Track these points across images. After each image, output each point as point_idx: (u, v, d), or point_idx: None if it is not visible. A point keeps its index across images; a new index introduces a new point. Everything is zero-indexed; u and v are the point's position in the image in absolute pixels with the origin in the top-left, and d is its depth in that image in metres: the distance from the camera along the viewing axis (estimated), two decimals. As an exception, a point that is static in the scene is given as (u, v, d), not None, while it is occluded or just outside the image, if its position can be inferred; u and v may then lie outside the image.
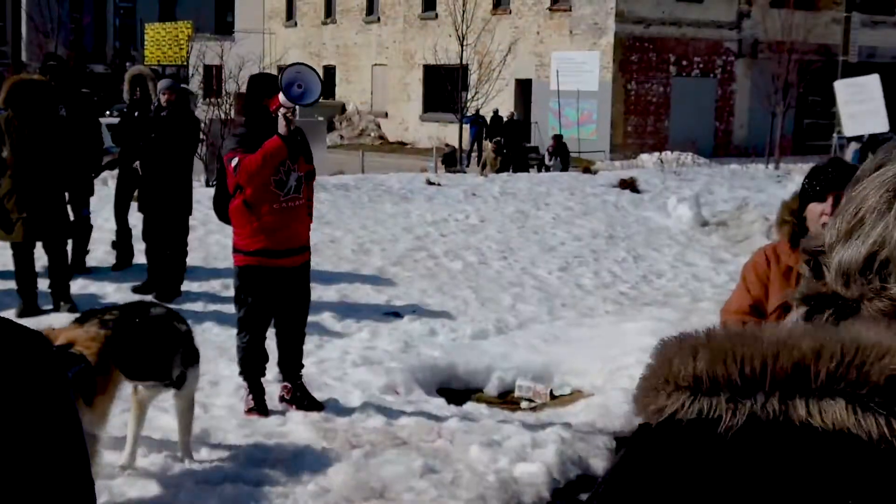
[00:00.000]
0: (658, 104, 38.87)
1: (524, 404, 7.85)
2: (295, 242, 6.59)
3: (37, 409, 1.19)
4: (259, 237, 6.48)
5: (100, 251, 10.90)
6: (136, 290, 9.68)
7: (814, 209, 3.69)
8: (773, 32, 34.94)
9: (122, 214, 10.53)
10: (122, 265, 10.49)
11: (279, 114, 6.36)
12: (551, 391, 8.08)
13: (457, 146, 32.33)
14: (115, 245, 10.67)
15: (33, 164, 8.70)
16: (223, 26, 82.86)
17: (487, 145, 31.22)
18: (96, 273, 10.25)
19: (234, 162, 6.38)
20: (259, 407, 6.59)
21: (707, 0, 39.20)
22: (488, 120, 36.50)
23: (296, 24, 54.64)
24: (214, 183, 16.56)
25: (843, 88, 18.17)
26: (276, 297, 6.61)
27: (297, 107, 6.43)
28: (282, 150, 6.32)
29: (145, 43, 55.68)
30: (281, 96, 6.37)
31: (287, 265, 6.56)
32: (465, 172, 25.05)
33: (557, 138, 29.45)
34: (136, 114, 10.11)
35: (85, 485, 1.25)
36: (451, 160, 31.13)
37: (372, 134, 47.94)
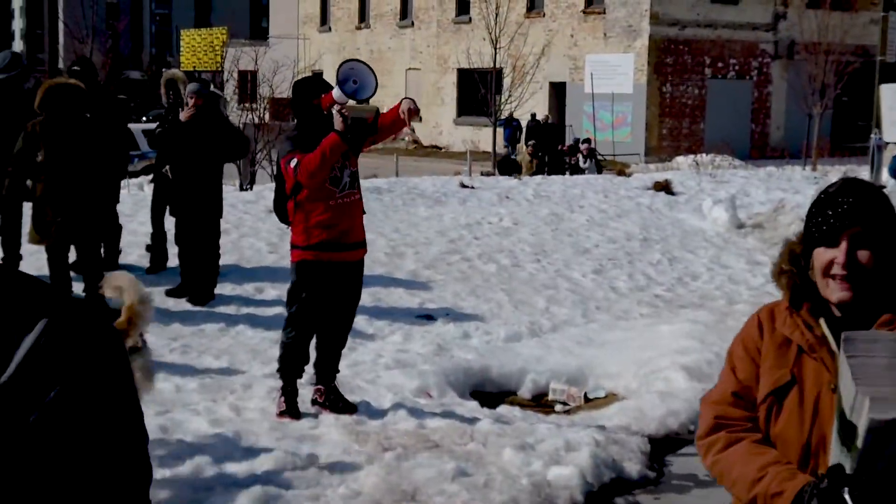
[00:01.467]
0: (693, 107, 38.65)
1: (558, 407, 7.79)
2: (351, 238, 6.59)
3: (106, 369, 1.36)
4: (315, 233, 6.48)
5: (133, 255, 10.93)
6: (169, 293, 9.70)
7: (821, 256, 2.59)
8: (810, 33, 34.64)
9: (157, 218, 10.55)
10: (155, 268, 10.52)
11: (333, 110, 6.35)
12: (585, 394, 8.02)
13: (486, 149, 32.23)
14: (149, 248, 10.70)
15: (67, 168, 8.73)
16: (258, 32, 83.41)
17: (522, 148, 31.15)
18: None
19: (294, 163, 6.39)
20: (291, 410, 6.57)
21: (742, 1, 38.96)
22: (523, 123, 36.45)
23: (330, 29, 54.77)
24: (248, 187, 16.63)
25: (890, 93, 17.96)
26: (330, 294, 6.59)
27: (350, 102, 6.44)
28: (340, 146, 6.32)
29: (181, 49, 56.00)
30: (335, 92, 6.39)
31: (344, 260, 6.57)
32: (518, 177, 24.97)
33: (587, 142, 29.35)
34: (170, 118, 10.12)
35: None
36: (507, 166, 30.89)
37: (406, 138, 47.96)
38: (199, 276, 9.63)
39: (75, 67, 10.47)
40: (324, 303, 6.61)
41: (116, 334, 1.42)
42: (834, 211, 2.54)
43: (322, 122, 6.42)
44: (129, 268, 10.47)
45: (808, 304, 2.63)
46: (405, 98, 6.71)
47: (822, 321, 2.60)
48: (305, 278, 6.55)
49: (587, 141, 29.80)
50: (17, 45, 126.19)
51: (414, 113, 6.51)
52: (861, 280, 2.51)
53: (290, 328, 6.62)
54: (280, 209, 6.77)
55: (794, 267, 2.69)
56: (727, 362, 2.85)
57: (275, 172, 7.05)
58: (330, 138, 6.30)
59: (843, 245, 2.51)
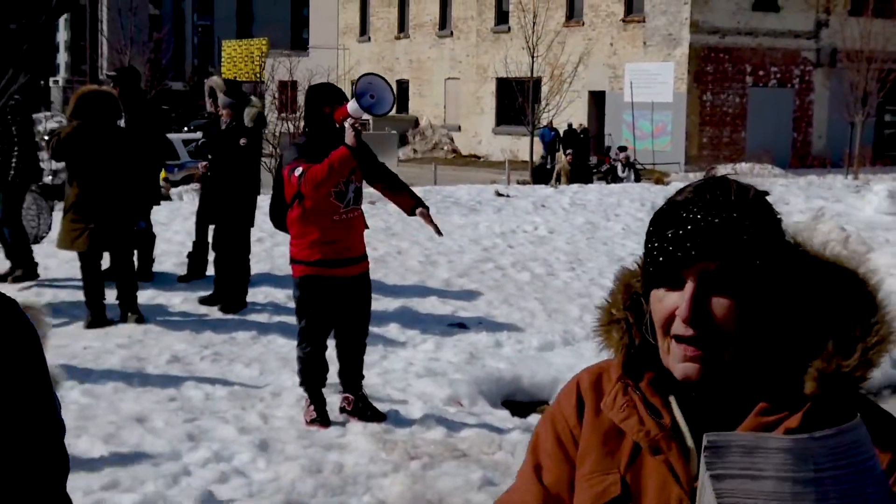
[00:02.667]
0: (734, 115, 38.39)
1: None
2: (353, 252, 6.55)
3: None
4: (318, 248, 6.43)
5: (168, 263, 10.98)
6: (202, 301, 9.72)
7: (659, 304, 1.66)
8: (852, 41, 34.29)
9: (201, 227, 10.55)
10: (191, 277, 10.53)
11: (347, 124, 6.27)
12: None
13: (525, 158, 32.13)
14: (190, 255, 10.72)
15: (99, 175, 8.78)
16: (298, 43, 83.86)
17: (561, 157, 31.05)
18: (165, 284, 10.31)
19: (298, 171, 6.30)
20: (321, 418, 6.54)
21: (784, 9, 38.68)
22: (561, 132, 36.35)
23: (369, 39, 54.96)
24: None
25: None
26: (337, 307, 6.56)
27: (369, 118, 6.39)
28: (349, 161, 6.25)
29: (222, 60, 56.37)
30: (351, 105, 6.29)
31: (346, 275, 6.50)
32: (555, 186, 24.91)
33: (623, 149, 29.23)
34: (212, 129, 10.11)
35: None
36: (541, 174, 30.81)
37: (445, 147, 48.02)
38: (230, 284, 9.65)
39: (111, 73, 10.55)
40: (332, 315, 6.58)
41: (31, 327, 1.42)
42: (675, 233, 1.61)
43: (331, 132, 6.35)
44: (163, 276, 10.54)
45: (650, 373, 1.71)
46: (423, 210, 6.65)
47: (672, 401, 1.69)
48: (309, 294, 6.51)
49: (623, 148, 29.66)
50: (62, 57, 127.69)
51: (425, 217, 6.57)
52: (717, 345, 1.58)
53: (304, 342, 6.59)
54: (277, 217, 6.72)
55: (630, 314, 1.77)
56: (529, 452, 1.90)
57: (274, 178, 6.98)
58: (339, 152, 6.23)
59: (689, 288, 1.59)
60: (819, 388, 1.58)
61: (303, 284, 6.54)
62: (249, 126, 9.61)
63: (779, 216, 1.69)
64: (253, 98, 10.72)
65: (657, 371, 1.69)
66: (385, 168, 6.85)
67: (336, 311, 6.57)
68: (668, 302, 1.63)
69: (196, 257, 10.62)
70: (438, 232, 6.75)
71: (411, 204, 6.61)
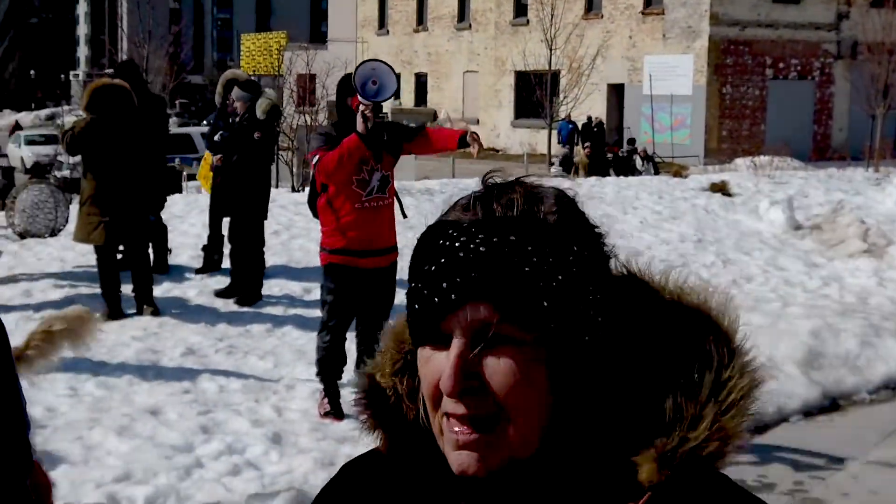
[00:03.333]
0: (754, 108, 38.21)
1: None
2: (378, 244, 6.47)
3: None
4: (341, 236, 6.42)
5: (184, 255, 10.98)
6: (218, 293, 9.72)
7: (425, 366, 1.18)
8: (873, 33, 34.03)
9: (214, 219, 10.55)
10: (206, 269, 10.54)
11: (358, 111, 6.26)
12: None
13: (543, 151, 32.09)
14: (205, 248, 10.72)
15: (114, 168, 8.78)
16: (317, 36, 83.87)
17: (580, 150, 30.95)
18: (180, 276, 10.32)
19: (315, 160, 6.34)
20: (335, 410, 6.52)
21: (805, 1, 38.45)
22: (580, 125, 36.25)
23: (388, 31, 54.94)
24: (301, 189, 16.68)
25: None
26: (358, 298, 6.52)
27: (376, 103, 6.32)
28: (359, 148, 6.22)
29: (241, 53, 56.46)
30: (359, 95, 6.28)
31: (370, 266, 6.46)
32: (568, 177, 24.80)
33: (632, 142, 29.15)
34: (231, 121, 10.08)
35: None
36: (568, 164, 30.76)
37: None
38: (245, 276, 9.65)
39: (109, 70, 10.57)
40: (354, 306, 6.54)
41: None
42: (431, 269, 1.15)
43: (353, 121, 6.34)
44: (179, 268, 10.55)
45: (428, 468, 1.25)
46: (472, 132, 6.53)
47: None
48: (332, 282, 6.49)
49: (632, 141, 29.57)
50: (83, 51, 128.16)
51: (475, 141, 6.41)
52: (499, 424, 1.13)
53: (324, 331, 6.58)
54: (312, 203, 6.74)
55: (402, 381, 1.29)
56: None
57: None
58: (350, 139, 6.22)
59: (455, 346, 1.13)
60: (660, 474, 1.13)
61: (326, 272, 6.54)
62: (262, 118, 9.59)
63: (597, 232, 1.23)
64: (267, 90, 10.70)
65: (440, 464, 1.18)
66: (413, 128, 6.79)
67: (358, 302, 6.54)
68: (434, 365, 1.15)
69: (211, 250, 10.62)
70: (479, 145, 6.47)
71: (457, 136, 6.46)
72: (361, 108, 6.22)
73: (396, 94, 7.67)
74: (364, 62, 6.44)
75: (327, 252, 6.50)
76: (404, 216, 6.92)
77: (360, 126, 6.21)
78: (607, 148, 30.50)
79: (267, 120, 9.70)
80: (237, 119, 9.71)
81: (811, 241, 13.41)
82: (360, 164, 6.33)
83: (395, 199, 6.61)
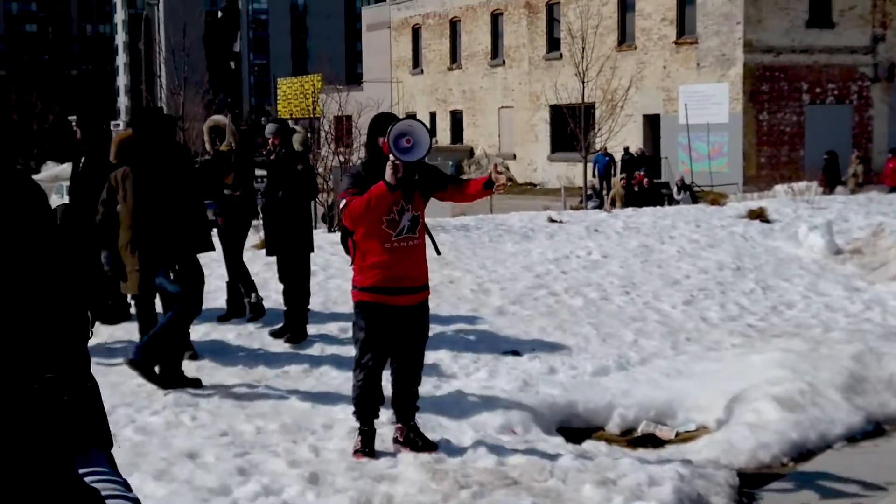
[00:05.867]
0: (792, 134, 38.00)
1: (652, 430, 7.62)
2: (409, 282, 6.48)
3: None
4: (371, 274, 6.44)
5: (221, 300, 11.02)
6: (273, 334, 9.75)
7: None
8: (909, 55, 33.86)
9: (232, 263, 10.57)
10: (231, 315, 10.50)
11: (389, 161, 6.25)
12: (676, 431, 7.82)
13: (581, 184, 32.09)
14: (228, 295, 10.73)
15: (148, 216, 8.84)
16: (353, 77, 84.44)
17: (616, 182, 30.90)
18: (217, 320, 10.37)
19: (343, 204, 6.37)
20: (366, 449, 6.51)
21: (839, 25, 38.27)
22: (617, 157, 36.19)
23: (422, 71, 55.25)
24: (336, 229, 16.76)
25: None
26: (391, 336, 6.53)
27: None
28: (386, 198, 6.24)
29: (277, 97, 56.96)
30: (390, 145, 6.27)
31: (401, 304, 6.47)
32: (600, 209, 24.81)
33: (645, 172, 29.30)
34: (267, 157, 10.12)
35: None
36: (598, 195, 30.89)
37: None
38: (292, 315, 9.69)
39: (73, 117, 10.67)
40: (388, 344, 6.54)
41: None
42: None
43: (383, 162, 6.34)
44: (215, 312, 10.58)
45: None
46: (497, 164, 6.55)
47: None
48: (364, 319, 6.51)
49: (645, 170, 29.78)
50: (123, 101, 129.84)
51: (501, 178, 6.38)
52: None
53: (357, 369, 6.59)
54: (345, 242, 6.76)
55: None
56: None
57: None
58: (378, 187, 6.23)
59: None
60: None
61: (357, 310, 6.57)
62: (300, 150, 9.67)
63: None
64: (296, 126, 10.78)
65: None
66: (447, 176, 6.77)
67: (392, 341, 6.54)
68: None
69: (233, 294, 10.59)
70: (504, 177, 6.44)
71: (481, 182, 6.44)
72: (392, 157, 6.21)
73: (427, 152, 7.63)
74: (403, 119, 6.44)
75: (358, 290, 6.53)
76: (438, 253, 6.94)
77: (389, 176, 6.21)
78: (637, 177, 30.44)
79: (304, 152, 9.77)
80: (272, 155, 9.75)
81: (852, 266, 13.27)
82: (391, 205, 6.35)
83: (426, 237, 6.62)
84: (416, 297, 6.54)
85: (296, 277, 9.73)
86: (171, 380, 8.31)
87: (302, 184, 9.71)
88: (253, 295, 10.45)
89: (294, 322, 9.69)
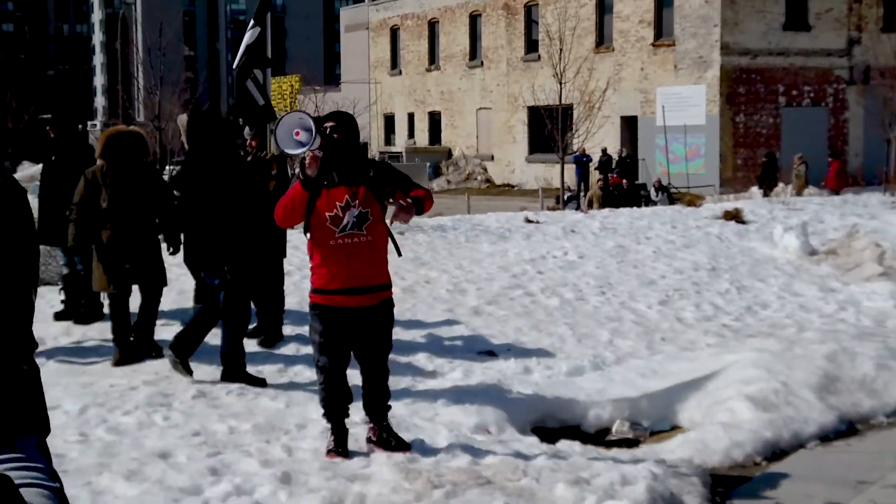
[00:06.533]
0: (768, 136, 38.17)
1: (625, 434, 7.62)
2: (359, 281, 6.29)
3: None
4: (319, 273, 6.37)
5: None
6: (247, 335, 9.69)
7: None
8: (885, 58, 34.05)
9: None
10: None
11: (307, 156, 6.17)
12: (650, 431, 7.82)
13: (559, 186, 32.18)
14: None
15: (132, 214, 8.82)
16: (332, 78, 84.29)
17: (594, 183, 30.99)
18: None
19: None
20: (339, 448, 6.47)
21: (815, 28, 38.47)
22: (595, 158, 36.29)
23: (400, 72, 55.21)
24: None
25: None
26: (348, 338, 6.44)
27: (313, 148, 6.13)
28: (302, 195, 6.17)
29: (255, 98, 56.45)
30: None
31: (353, 305, 6.32)
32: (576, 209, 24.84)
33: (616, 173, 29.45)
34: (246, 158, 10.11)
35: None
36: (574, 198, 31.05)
37: (479, 178, 48.07)
38: (266, 317, 9.63)
39: (45, 116, 10.66)
40: (344, 346, 6.45)
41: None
42: None
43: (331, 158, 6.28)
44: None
45: None
46: (409, 207, 6.22)
47: None
48: (316, 321, 6.41)
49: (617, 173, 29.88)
50: (100, 101, 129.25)
51: (405, 213, 6.20)
52: None
53: (318, 371, 6.54)
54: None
55: None
56: None
57: None
58: (294, 187, 6.24)
59: None
60: None
61: (311, 312, 6.49)
62: (277, 154, 9.63)
63: None
64: (270, 126, 10.73)
65: None
66: (402, 180, 6.50)
67: (350, 342, 6.47)
68: None
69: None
70: (405, 212, 6.21)
71: (412, 196, 6.23)
72: (308, 154, 6.12)
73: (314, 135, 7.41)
74: (291, 112, 6.33)
75: (311, 291, 6.45)
76: (399, 254, 6.80)
77: (304, 172, 6.14)
78: (612, 179, 30.55)
79: (281, 155, 9.72)
80: (249, 157, 9.70)
81: (827, 266, 13.32)
82: (331, 201, 6.24)
83: (382, 236, 6.42)
84: (371, 297, 6.35)
85: (270, 282, 9.66)
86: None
87: (276, 186, 9.66)
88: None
89: (268, 325, 9.63)
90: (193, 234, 8.45)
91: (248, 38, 12.34)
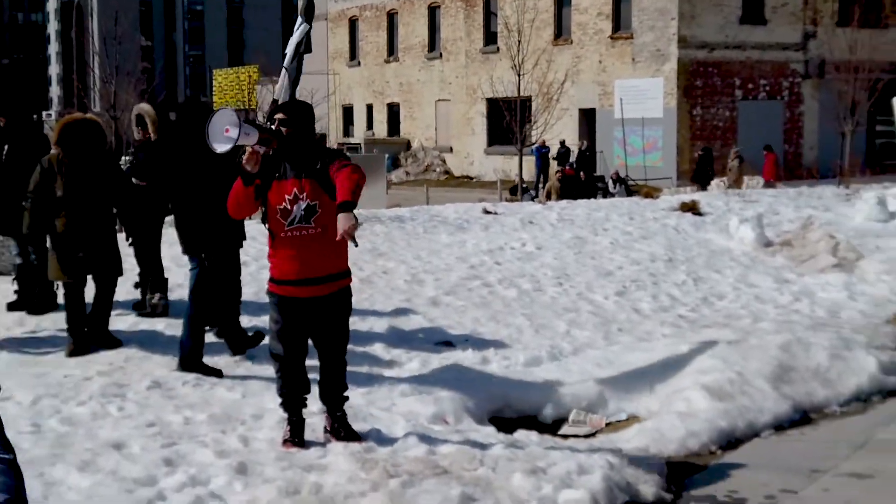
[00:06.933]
0: (725, 129, 38.46)
1: (576, 429, 7.63)
2: (309, 273, 6.29)
3: None
4: (273, 263, 6.41)
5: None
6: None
7: None
8: (840, 52, 34.38)
9: (144, 251, 10.41)
10: (143, 306, 10.36)
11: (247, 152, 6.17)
12: (606, 420, 7.85)
13: (517, 178, 32.28)
14: (137, 285, 10.59)
15: (87, 203, 8.73)
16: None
17: (552, 174, 31.08)
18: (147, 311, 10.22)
19: None
20: (295, 439, 6.45)
21: (771, 22, 38.78)
22: (554, 151, 36.40)
23: (359, 63, 55.04)
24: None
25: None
26: (304, 328, 6.44)
27: (259, 141, 6.11)
28: (245, 191, 6.21)
29: (213, 88, 56.39)
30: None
31: (305, 295, 6.33)
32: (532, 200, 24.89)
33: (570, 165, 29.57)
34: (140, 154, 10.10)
35: None
36: (516, 190, 31.11)
37: (437, 169, 48.06)
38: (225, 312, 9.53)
39: (44, 113, 10.57)
40: (300, 335, 6.45)
41: None
42: None
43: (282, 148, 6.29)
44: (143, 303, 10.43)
45: None
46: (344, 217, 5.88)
47: None
48: (273, 310, 6.44)
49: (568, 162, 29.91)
50: (55, 91, 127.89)
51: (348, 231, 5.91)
52: None
53: (275, 361, 6.53)
54: None
55: None
56: None
57: None
58: (236, 183, 6.25)
59: None
60: None
61: (269, 300, 6.50)
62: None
63: None
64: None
65: None
66: (340, 167, 6.18)
67: (307, 331, 6.46)
68: None
69: (145, 284, 10.44)
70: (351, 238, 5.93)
71: (339, 201, 5.96)
72: (248, 149, 6.12)
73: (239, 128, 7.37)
74: (221, 109, 6.29)
75: (269, 280, 6.49)
76: (355, 245, 6.76)
77: (244, 167, 6.15)
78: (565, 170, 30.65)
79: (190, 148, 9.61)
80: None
81: (782, 258, 13.43)
82: (281, 194, 6.23)
83: (333, 227, 6.30)
84: (323, 287, 6.34)
85: (225, 272, 9.55)
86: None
87: (219, 176, 9.54)
88: (157, 295, 10.25)
89: (225, 317, 9.52)
90: (179, 221, 8.53)
91: (297, 36, 12.30)
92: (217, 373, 8.19)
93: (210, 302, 8.45)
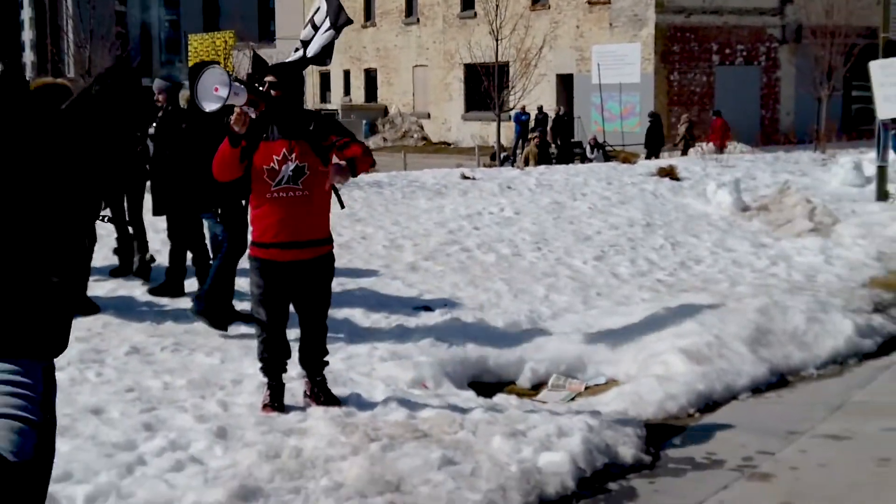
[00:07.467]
0: (702, 94, 38.47)
1: (556, 394, 7.66)
2: (294, 235, 6.27)
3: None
4: (257, 226, 6.34)
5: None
6: (152, 291, 9.60)
7: None
8: (816, 17, 34.37)
9: (122, 217, 10.39)
10: (123, 271, 10.35)
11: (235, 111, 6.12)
12: (586, 384, 7.88)
13: (495, 144, 32.23)
14: (116, 250, 10.56)
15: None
16: (266, 34, 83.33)
17: (531, 141, 31.04)
18: (126, 276, 10.19)
19: None
20: (275, 403, 6.44)
21: (749, -13, 38.77)
22: (532, 116, 36.34)
23: (336, 28, 54.62)
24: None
25: (879, 69, 17.62)
26: (287, 292, 6.41)
27: (248, 103, 6.07)
28: (229, 152, 6.15)
29: (188, 54, 55.90)
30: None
31: (289, 259, 6.29)
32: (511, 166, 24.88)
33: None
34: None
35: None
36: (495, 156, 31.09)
37: (415, 135, 47.94)
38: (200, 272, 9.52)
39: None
40: (283, 299, 6.42)
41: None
42: None
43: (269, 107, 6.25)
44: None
45: None
46: (337, 166, 6.23)
47: None
48: (254, 273, 6.38)
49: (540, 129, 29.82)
50: (28, 56, 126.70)
51: (340, 175, 6.20)
52: None
53: (257, 325, 6.50)
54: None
55: None
56: None
57: None
58: (223, 143, 6.18)
59: None
60: None
61: (250, 263, 6.45)
62: (185, 108, 9.45)
63: None
64: (186, 82, 10.56)
65: None
66: (341, 136, 6.41)
67: (288, 296, 6.44)
68: None
69: (123, 250, 10.43)
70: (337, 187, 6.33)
71: (347, 157, 6.25)
72: (237, 110, 6.08)
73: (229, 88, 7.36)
74: (209, 67, 6.20)
75: (251, 244, 6.43)
76: (342, 206, 6.80)
77: (232, 128, 6.10)
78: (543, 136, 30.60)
79: (190, 109, 9.56)
80: (161, 112, 9.54)
81: (759, 222, 13.49)
82: (269, 154, 6.20)
83: (320, 190, 6.32)
84: (307, 251, 6.33)
85: (189, 237, 9.53)
86: (227, 318, 8.56)
87: (186, 143, 9.47)
88: (148, 254, 10.29)
89: (200, 277, 9.51)
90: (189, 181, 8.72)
91: (324, 39, 12.02)
92: (246, 317, 8.31)
93: (242, 249, 8.53)
